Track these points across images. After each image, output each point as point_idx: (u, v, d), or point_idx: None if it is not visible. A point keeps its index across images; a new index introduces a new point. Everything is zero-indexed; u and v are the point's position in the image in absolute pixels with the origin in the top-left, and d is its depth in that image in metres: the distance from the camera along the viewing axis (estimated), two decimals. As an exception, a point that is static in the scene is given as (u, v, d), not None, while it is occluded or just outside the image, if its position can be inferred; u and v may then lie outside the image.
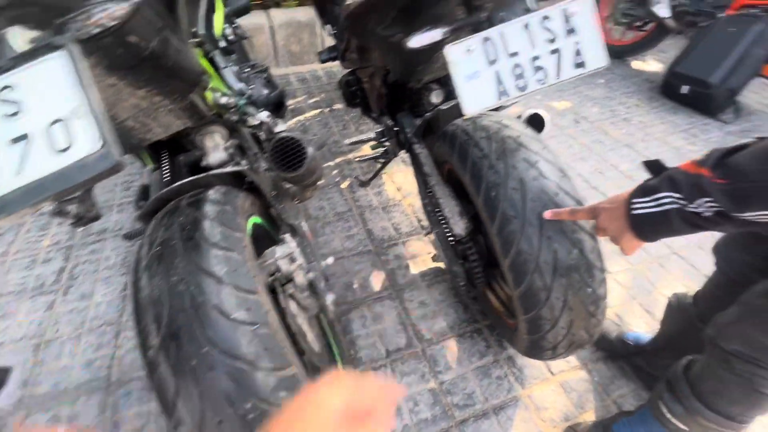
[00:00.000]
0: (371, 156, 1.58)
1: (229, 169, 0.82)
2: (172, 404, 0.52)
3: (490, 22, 0.65)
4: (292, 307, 0.81)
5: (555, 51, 0.60)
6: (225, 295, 0.55)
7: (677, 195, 0.56)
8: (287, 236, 0.85)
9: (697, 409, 0.77)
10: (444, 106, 1.05)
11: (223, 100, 0.85)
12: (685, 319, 0.97)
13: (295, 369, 0.58)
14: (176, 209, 0.68)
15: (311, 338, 0.87)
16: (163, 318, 0.53)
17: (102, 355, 1.20)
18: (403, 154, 1.41)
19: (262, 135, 1.05)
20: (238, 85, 1.08)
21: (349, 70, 1.58)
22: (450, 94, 1.18)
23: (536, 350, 0.89)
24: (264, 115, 0.84)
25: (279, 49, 2.76)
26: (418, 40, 0.67)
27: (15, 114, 0.32)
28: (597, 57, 0.60)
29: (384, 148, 1.48)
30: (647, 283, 1.42)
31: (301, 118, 2.35)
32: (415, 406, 1.08)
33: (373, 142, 1.60)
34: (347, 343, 1.23)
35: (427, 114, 1.10)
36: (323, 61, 1.64)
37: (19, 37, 0.36)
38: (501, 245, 0.77)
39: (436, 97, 1.16)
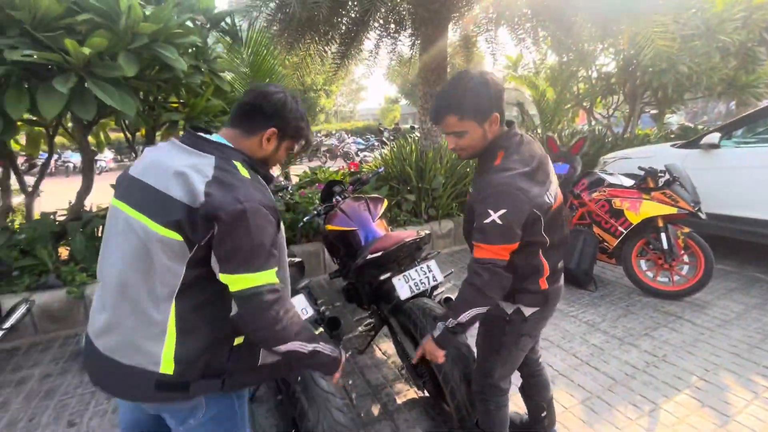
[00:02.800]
0: (364, 331, 2.59)
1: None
2: None
3: (407, 268, 1.87)
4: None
5: (426, 276, 1.79)
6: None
7: (443, 324, 1.32)
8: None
9: None
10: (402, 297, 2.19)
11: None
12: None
13: None
14: None
15: None
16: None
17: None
18: (384, 330, 2.44)
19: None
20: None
21: (348, 282, 2.78)
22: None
23: (460, 416, 1.73)
24: (323, 308, 1.93)
25: (295, 269, 4.08)
26: (382, 277, 1.86)
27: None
28: (439, 276, 1.80)
29: (372, 325, 2.53)
30: (545, 394, 2.26)
31: (313, 314, 3.41)
32: (406, 478, 1.76)
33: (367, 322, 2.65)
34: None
35: (393, 301, 2.21)
36: (332, 278, 2.85)
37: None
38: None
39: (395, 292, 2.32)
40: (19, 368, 2.76)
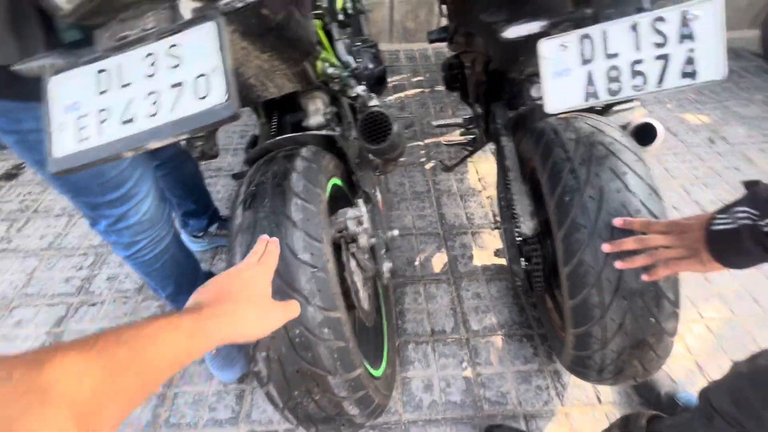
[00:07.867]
0: (459, 142, 1.58)
1: (323, 132, 0.92)
2: None
3: (595, 19, 0.61)
4: (352, 264, 0.90)
5: (662, 57, 0.54)
6: (296, 238, 0.65)
7: (752, 211, 0.52)
8: (360, 201, 0.93)
9: None
10: (541, 102, 1.01)
11: (330, 70, 0.94)
12: None
13: (340, 314, 0.66)
14: (273, 159, 0.80)
15: (363, 297, 0.96)
16: (248, 245, 0.65)
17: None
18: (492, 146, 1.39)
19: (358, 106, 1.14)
20: (346, 58, 1.17)
21: (455, 53, 1.58)
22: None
23: (580, 368, 0.86)
24: (360, 89, 0.92)
25: (395, 24, 2.83)
26: (514, 31, 0.66)
27: (177, 66, 0.44)
28: (713, 68, 0.52)
29: (473, 136, 1.47)
30: (747, 338, 1.22)
31: (401, 95, 2.41)
32: (446, 386, 1.13)
33: (463, 129, 1.60)
34: (396, 312, 1.30)
35: (522, 107, 1.07)
36: (431, 41, 1.66)
37: (186, 5, 0.48)
38: (564, 252, 0.75)
39: (536, 91, 1.12)
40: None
